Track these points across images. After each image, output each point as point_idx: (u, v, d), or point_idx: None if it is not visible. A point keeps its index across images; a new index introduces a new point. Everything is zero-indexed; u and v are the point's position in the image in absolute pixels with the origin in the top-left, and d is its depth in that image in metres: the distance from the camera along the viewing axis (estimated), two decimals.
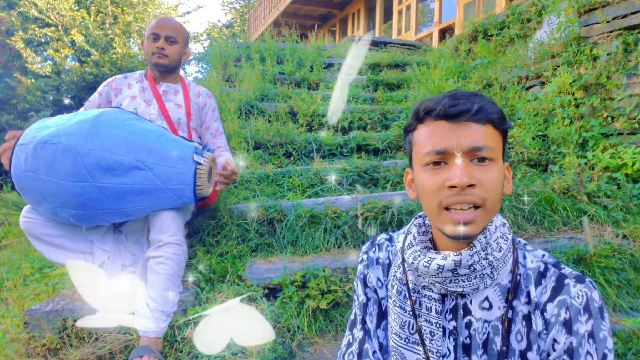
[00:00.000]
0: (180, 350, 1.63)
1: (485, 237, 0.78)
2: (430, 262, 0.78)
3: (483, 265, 0.77)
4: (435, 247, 0.86)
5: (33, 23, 11.52)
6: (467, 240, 0.78)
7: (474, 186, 0.73)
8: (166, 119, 2.01)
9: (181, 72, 2.23)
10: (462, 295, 0.81)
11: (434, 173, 0.76)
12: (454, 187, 0.73)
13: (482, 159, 0.74)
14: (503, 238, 0.80)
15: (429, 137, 0.77)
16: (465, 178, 0.71)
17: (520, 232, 2.22)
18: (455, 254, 0.77)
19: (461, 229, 0.74)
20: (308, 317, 1.72)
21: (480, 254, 0.77)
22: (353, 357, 0.89)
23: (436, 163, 0.76)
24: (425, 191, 0.78)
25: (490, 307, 0.79)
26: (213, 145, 2.17)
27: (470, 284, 0.78)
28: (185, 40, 2.07)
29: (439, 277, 0.79)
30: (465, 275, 0.78)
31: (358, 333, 0.90)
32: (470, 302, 0.81)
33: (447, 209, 0.75)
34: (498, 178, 0.75)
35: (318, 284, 1.77)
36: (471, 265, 0.77)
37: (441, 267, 0.77)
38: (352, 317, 0.94)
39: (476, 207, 0.74)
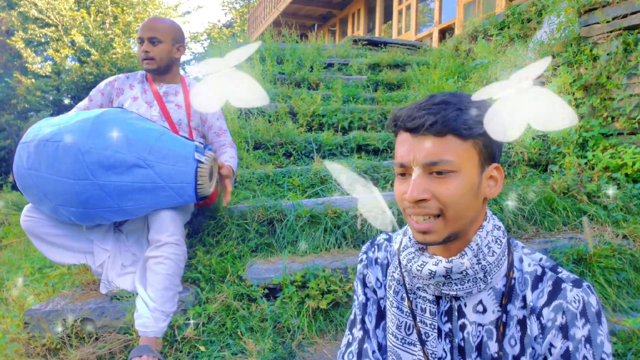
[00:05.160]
0: (180, 350, 1.63)
1: (477, 244, 0.77)
2: (422, 266, 0.79)
3: (476, 270, 0.77)
4: (429, 248, 0.86)
5: (33, 23, 11.51)
6: (453, 244, 0.79)
7: (427, 200, 0.74)
8: (167, 120, 2.00)
9: (181, 71, 2.22)
10: (457, 298, 0.81)
11: (399, 183, 0.79)
12: None
13: (440, 172, 0.73)
14: (496, 242, 0.79)
15: (397, 148, 0.79)
16: (415, 194, 0.73)
17: (520, 232, 2.22)
18: (447, 260, 0.77)
19: (422, 237, 0.77)
20: (308, 317, 1.72)
21: (472, 260, 0.77)
22: (352, 356, 0.89)
23: (402, 174, 0.79)
24: (395, 198, 0.81)
25: (485, 310, 0.79)
26: (217, 143, 2.15)
27: (463, 288, 0.78)
28: (173, 37, 2.02)
29: (432, 280, 0.79)
30: (458, 279, 0.78)
31: (357, 333, 0.90)
32: (465, 305, 0.81)
33: (410, 216, 0.78)
34: (459, 188, 0.73)
35: (318, 284, 1.77)
36: (463, 270, 0.77)
37: (433, 272, 0.78)
38: (351, 317, 0.94)
39: (436, 216, 0.75)
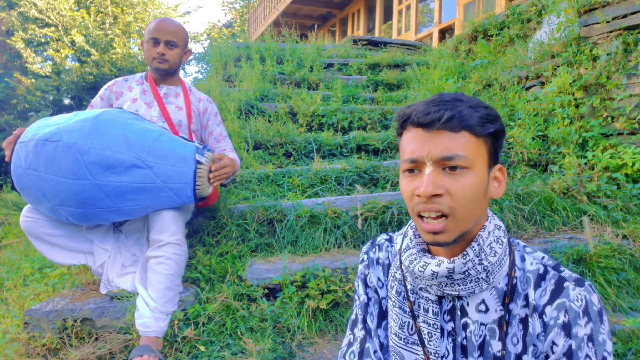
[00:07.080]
0: (180, 350, 1.63)
1: (479, 244, 0.78)
2: (425, 267, 0.79)
3: (478, 271, 0.78)
4: (431, 250, 0.86)
5: (33, 23, 11.50)
6: (457, 244, 0.78)
7: (441, 195, 0.74)
8: (167, 121, 2.00)
9: (181, 72, 2.22)
10: (459, 297, 0.82)
11: (409, 180, 0.78)
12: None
13: (453, 168, 0.74)
14: (498, 242, 0.79)
15: (407, 144, 0.78)
16: (430, 189, 0.73)
17: (520, 232, 2.22)
18: (449, 261, 0.78)
19: (432, 238, 0.76)
20: (308, 317, 1.72)
21: (474, 261, 0.77)
22: (354, 356, 0.89)
23: (411, 171, 0.78)
24: (403, 196, 0.80)
25: (487, 310, 0.80)
26: (218, 149, 2.16)
27: (465, 288, 0.79)
28: (184, 41, 2.06)
29: (434, 281, 0.80)
30: (460, 279, 0.78)
31: (359, 333, 0.90)
32: (467, 304, 0.81)
33: (420, 216, 0.77)
34: (472, 185, 0.74)
35: (318, 284, 1.77)
36: (465, 271, 0.77)
37: (435, 273, 0.78)
38: (353, 316, 0.94)
39: (445, 216, 0.75)
